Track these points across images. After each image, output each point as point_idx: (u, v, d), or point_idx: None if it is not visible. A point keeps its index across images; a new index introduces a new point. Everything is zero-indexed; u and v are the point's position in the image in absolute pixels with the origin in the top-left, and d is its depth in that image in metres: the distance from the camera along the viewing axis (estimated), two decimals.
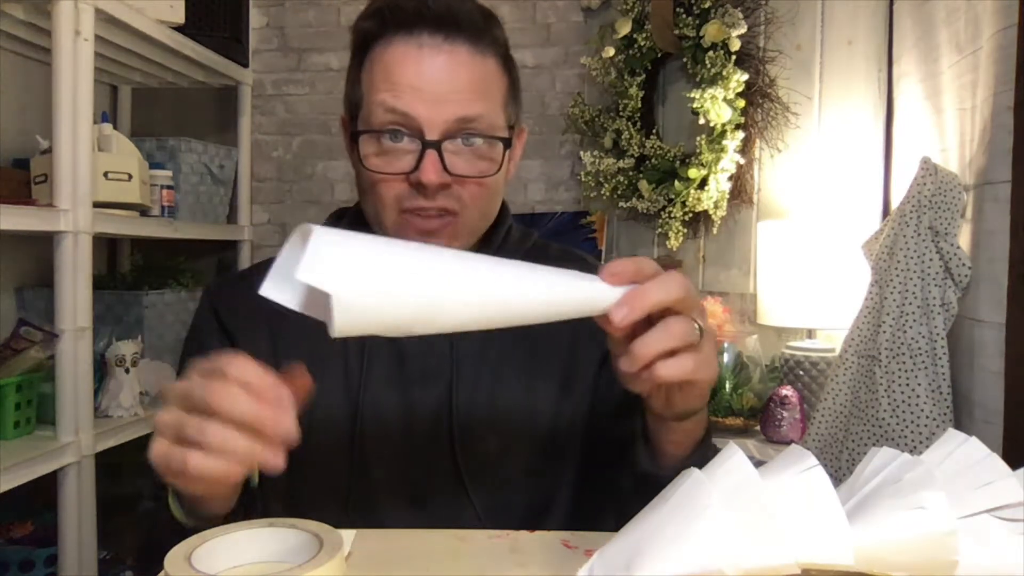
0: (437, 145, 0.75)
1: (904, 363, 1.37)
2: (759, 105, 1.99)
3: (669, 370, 0.56)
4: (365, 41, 0.79)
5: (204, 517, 0.65)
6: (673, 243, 2.08)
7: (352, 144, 0.80)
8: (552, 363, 0.85)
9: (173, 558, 0.52)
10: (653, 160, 2.13)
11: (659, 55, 2.16)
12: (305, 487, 0.81)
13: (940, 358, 1.35)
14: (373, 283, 0.48)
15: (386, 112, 0.75)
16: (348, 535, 0.67)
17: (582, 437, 0.86)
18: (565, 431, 0.85)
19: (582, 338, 0.85)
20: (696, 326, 0.57)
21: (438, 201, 0.77)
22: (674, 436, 0.70)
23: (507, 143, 0.79)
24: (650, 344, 0.55)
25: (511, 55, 0.83)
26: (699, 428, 0.71)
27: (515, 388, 0.83)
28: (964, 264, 1.33)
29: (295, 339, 0.82)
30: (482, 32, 0.77)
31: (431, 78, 0.75)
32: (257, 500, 0.71)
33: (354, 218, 0.88)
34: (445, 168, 0.75)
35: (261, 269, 0.92)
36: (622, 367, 0.57)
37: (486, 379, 0.83)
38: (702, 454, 0.70)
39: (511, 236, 0.90)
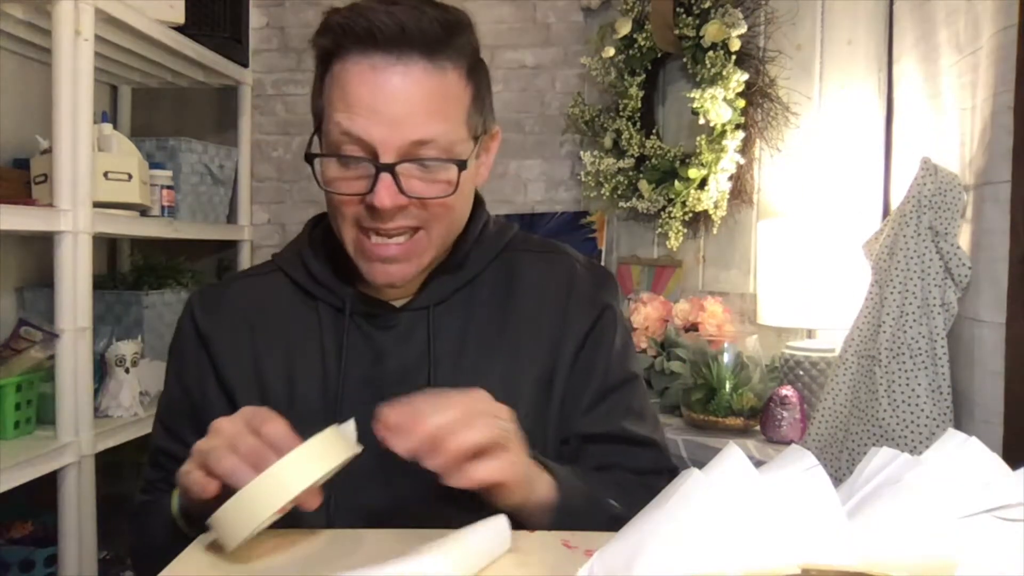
0: (391, 168, 0.74)
1: (904, 363, 1.37)
2: (759, 105, 1.99)
3: (479, 472, 0.64)
4: (325, 56, 0.78)
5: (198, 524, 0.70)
6: (673, 243, 2.08)
7: (311, 161, 0.80)
8: (533, 362, 0.85)
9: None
10: (653, 160, 2.13)
11: (659, 55, 2.16)
12: None
13: (940, 358, 1.35)
14: None
15: (342, 134, 0.75)
16: (353, 534, 0.68)
17: (557, 432, 0.87)
18: (543, 429, 0.85)
19: (562, 337, 0.86)
20: (501, 425, 0.66)
21: (396, 222, 0.77)
22: (522, 516, 0.72)
23: (462, 165, 0.77)
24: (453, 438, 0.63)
25: (479, 60, 0.81)
26: (544, 504, 0.73)
27: (494, 387, 0.82)
28: (964, 264, 1.33)
29: (274, 342, 0.86)
30: (439, 45, 0.75)
31: (385, 99, 0.73)
32: None
33: (325, 230, 0.89)
34: (401, 190, 0.74)
35: (243, 279, 0.94)
36: (429, 464, 0.63)
37: (465, 376, 0.82)
38: (564, 507, 0.74)
39: (487, 231, 0.89)
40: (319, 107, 0.79)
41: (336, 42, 0.75)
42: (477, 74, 0.80)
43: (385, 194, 0.74)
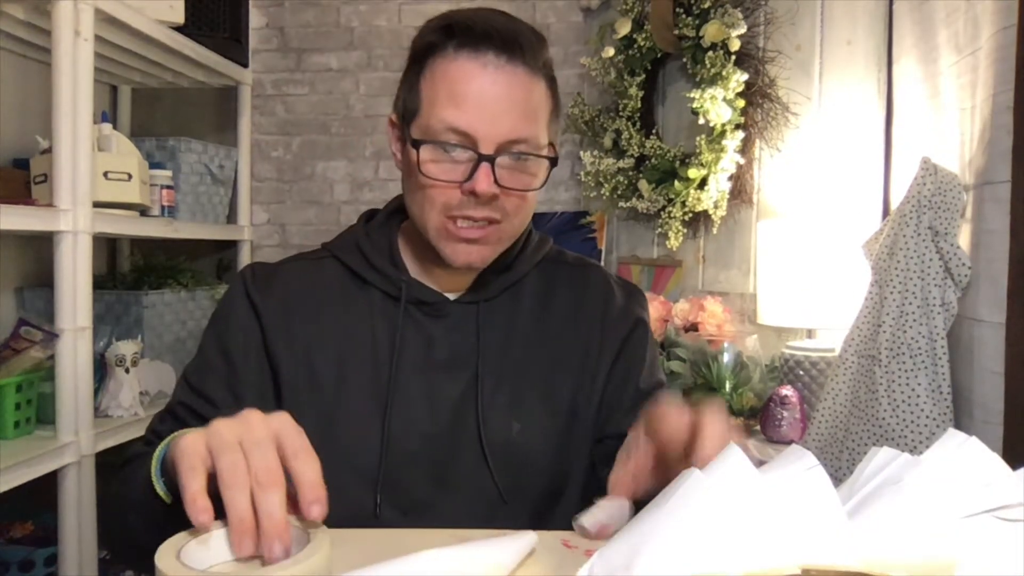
0: (492, 159, 0.80)
1: (904, 363, 1.37)
2: (759, 105, 1.99)
3: None
4: (426, 52, 0.83)
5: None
6: (673, 243, 2.08)
7: (404, 147, 0.86)
8: (570, 366, 0.92)
9: (163, 554, 0.52)
10: (653, 160, 2.13)
11: (659, 55, 2.16)
12: (337, 468, 0.84)
13: (940, 358, 1.35)
14: None
15: (448, 126, 0.80)
16: (354, 534, 0.67)
17: (591, 431, 0.92)
18: (579, 423, 0.91)
19: (595, 342, 0.93)
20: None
21: (484, 211, 0.83)
22: None
23: (553, 162, 0.86)
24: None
25: (555, 78, 0.88)
26: None
27: (535, 379, 0.90)
28: (964, 264, 1.33)
29: (325, 324, 0.88)
30: (536, 56, 0.83)
31: (492, 96, 0.80)
32: None
33: (387, 217, 0.94)
34: (496, 180, 0.81)
35: (295, 261, 0.96)
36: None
37: (509, 368, 0.89)
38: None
39: (531, 239, 0.97)
40: (414, 102, 0.84)
41: (449, 36, 0.81)
42: (555, 88, 0.88)
43: (484, 181, 0.80)
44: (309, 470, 0.55)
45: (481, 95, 0.80)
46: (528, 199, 0.86)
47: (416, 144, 0.82)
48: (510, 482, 0.87)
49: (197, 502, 0.53)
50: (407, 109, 0.86)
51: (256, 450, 0.55)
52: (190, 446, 0.56)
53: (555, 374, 0.91)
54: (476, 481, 0.87)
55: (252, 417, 0.58)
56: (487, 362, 0.89)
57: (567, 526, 0.74)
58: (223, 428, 0.56)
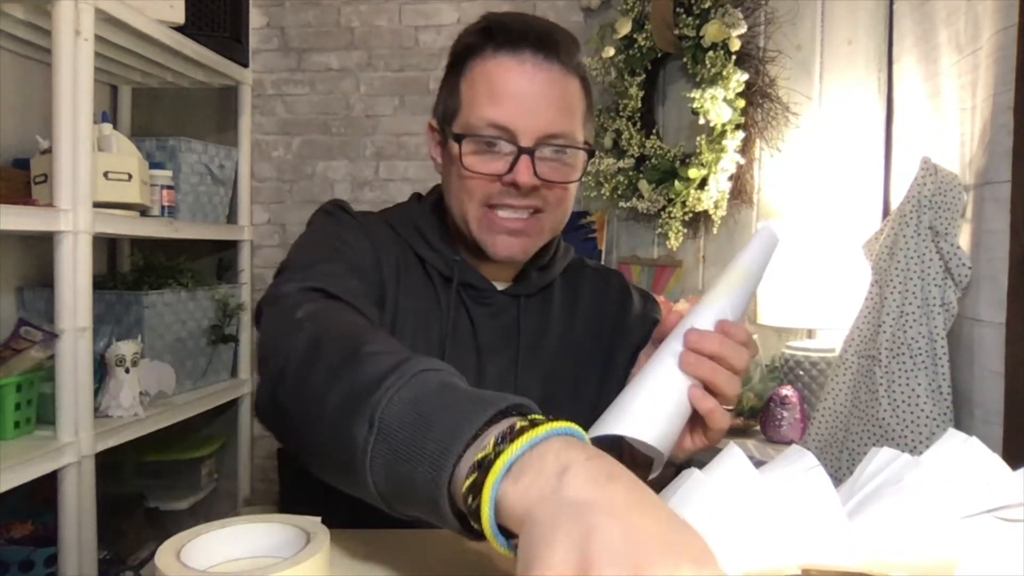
0: (531, 152, 0.83)
1: (904, 363, 1.37)
2: (759, 105, 1.99)
3: (719, 412, 0.67)
4: (466, 55, 0.87)
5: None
6: (673, 243, 2.08)
7: (444, 149, 0.90)
8: (594, 362, 0.97)
9: (163, 554, 0.52)
10: (653, 160, 2.13)
11: (659, 55, 2.16)
12: None
13: (940, 358, 1.35)
14: None
15: (488, 122, 0.84)
16: (355, 534, 0.67)
17: None
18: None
19: (620, 345, 0.98)
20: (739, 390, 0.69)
21: (525, 201, 0.86)
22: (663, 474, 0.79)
23: (591, 153, 0.90)
24: (719, 376, 0.67)
25: (588, 79, 0.92)
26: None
27: (565, 374, 0.95)
28: (964, 264, 1.33)
29: (402, 287, 0.90)
30: (571, 56, 0.87)
31: (530, 92, 0.83)
32: None
33: (432, 206, 0.96)
34: (535, 172, 0.84)
35: (371, 216, 0.95)
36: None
37: (543, 362, 0.94)
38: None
39: (559, 248, 1.01)
40: (454, 102, 0.88)
41: (488, 37, 0.85)
42: (588, 90, 0.91)
43: (525, 172, 0.83)
44: None
45: (519, 91, 0.83)
46: (569, 192, 0.89)
47: (458, 138, 0.85)
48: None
49: None
50: (447, 110, 0.89)
51: None
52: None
53: (582, 371, 0.96)
54: None
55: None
56: (524, 353, 0.93)
57: None
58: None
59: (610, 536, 0.37)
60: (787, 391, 1.70)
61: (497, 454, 0.44)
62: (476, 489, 0.44)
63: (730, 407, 0.70)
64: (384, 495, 0.52)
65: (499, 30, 0.85)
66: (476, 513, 0.45)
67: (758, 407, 1.77)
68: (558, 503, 0.40)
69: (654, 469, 0.68)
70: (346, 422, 0.53)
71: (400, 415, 0.50)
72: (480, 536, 0.46)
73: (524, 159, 0.83)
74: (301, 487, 0.94)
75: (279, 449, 1.25)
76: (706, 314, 0.70)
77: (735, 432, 1.77)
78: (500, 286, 0.95)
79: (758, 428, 1.76)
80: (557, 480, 0.41)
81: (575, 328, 0.98)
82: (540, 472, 0.42)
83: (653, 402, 0.66)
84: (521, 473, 0.43)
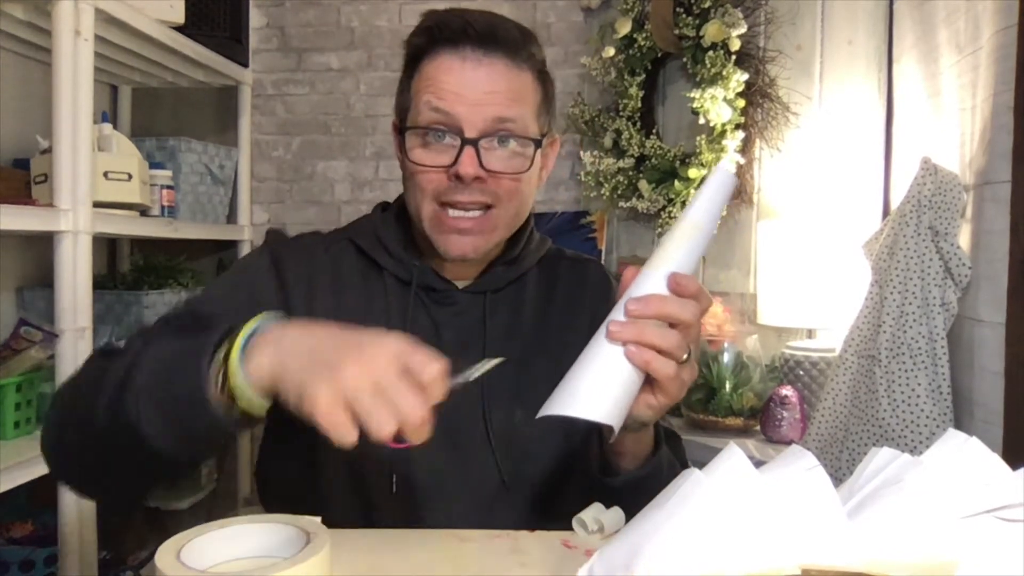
0: (475, 142, 0.83)
1: (904, 363, 1.37)
2: (759, 105, 1.99)
3: (658, 363, 0.66)
4: (416, 55, 0.88)
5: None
6: None
7: (400, 141, 0.90)
8: (572, 350, 0.94)
9: (163, 554, 0.52)
10: (653, 160, 2.13)
11: (659, 55, 2.15)
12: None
13: (940, 358, 1.35)
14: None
15: (431, 111, 0.84)
16: (355, 534, 0.67)
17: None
18: None
19: (597, 327, 0.93)
20: (688, 349, 0.68)
21: (474, 195, 0.85)
22: (620, 448, 0.80)
23: (538, 143, 0.88)
24: (647, 333, 0.66)
25: (547, 72, 0.92)
26: (645, 447, 0.82)
27: (539, 368, 0.91)
28: (964, 264, 1.33)
29: (339, 299, 0.91)
30: (518, 48, 0.86)
31: (473, 85, 0.84)
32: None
33: (400, 208, 0.96)
34: (481, 164, 0.83)
35: (315, 237, 0.98)
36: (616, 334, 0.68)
37: (514, 356, 0.90)
38: (653, 467, 0.82)
39: (532, 240, 0.99)
40: (405, 101, 0.89)
41: (431, 37, 0.86)
42: (545, 81, 0.91)
43: (468, 163, 0.83)
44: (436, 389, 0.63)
45: (462, 84, 0.84)
46: (522, 183, 0.88)
47: (405, 131, 0.87)
48: (511, 468, 0.89)
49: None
50: (401, 110, 0.91)
51: (391, 392, 0.60)
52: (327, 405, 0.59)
53: (558, 364, 0.93)
54: (480, 464, 0.89)
55: (373, 359, 0.61)
56: (492, 350, 0.90)
57: (570, 514, 0.75)
58: (350, 379, 0.59)
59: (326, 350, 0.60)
60: (787, 391, 1.70)
61: (230, 346, 0.63)
62: (226, 374, 0.62)
63: (681, 360, 0.69)
64: (166, 446, 0.64)
65: (439, 28, 0.86)
66: (231, 391, 0.62)
67: (758, 407, 1.77)
68: (293, 355, 0.61)
69: (609, 438, 0.69)
70: (119, 405, 0.65)
71: (150, 372, 0.65)
72: (248, 422, 0.64)
73: (468, 150, 0.83)
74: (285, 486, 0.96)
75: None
76: (657, 271, 0.70)
77: (735, 432, 1.77)
78: (465, 284, 0.95)
79: (758, 428, 1.76)
80: (279, 344, 0.62)
81: (551, 318, 0.97)
82: (267, 344, 0.62)
83: (595, 377, 0.66)
84: (252, 352, 0.62)
